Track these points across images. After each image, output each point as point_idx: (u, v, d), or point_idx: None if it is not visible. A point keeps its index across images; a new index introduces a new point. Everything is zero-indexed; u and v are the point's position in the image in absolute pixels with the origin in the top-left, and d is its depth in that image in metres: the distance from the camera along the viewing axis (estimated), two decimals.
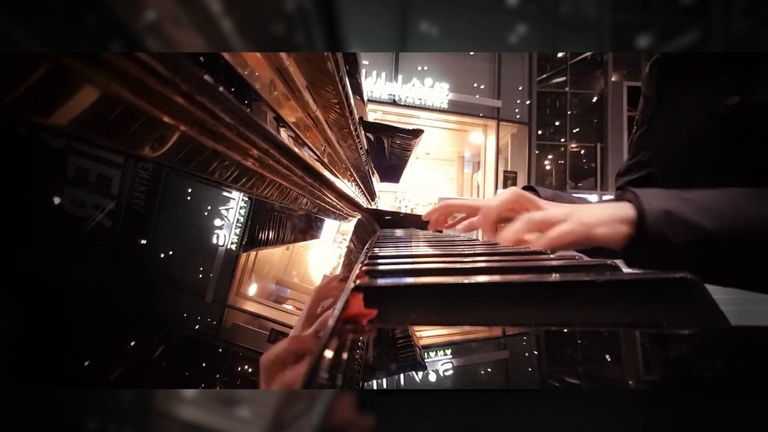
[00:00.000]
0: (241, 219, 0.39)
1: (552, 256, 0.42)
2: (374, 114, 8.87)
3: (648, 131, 0.85)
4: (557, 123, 10.76)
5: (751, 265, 0.50)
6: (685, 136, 0.71)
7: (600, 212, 0.50)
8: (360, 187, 1.48)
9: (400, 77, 9.40)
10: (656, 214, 0.47)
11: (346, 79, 0.67)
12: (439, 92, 9.49)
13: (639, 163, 0.90)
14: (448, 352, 0.19)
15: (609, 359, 0.18)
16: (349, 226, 1.08)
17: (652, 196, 0.49)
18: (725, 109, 0.62)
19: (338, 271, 0.74)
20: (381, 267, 0.35)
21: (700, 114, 0.67)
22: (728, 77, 0.64)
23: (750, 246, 0.46)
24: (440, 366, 0.18)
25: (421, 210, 10.40)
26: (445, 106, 9.57)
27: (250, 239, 0.41)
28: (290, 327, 0.45)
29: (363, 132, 1.18)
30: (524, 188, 0.87)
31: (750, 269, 0.59)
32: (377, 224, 1.67)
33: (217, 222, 0.36)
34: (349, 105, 0.75)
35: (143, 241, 0.25)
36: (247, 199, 0.41)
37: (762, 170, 0.58)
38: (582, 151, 10.79)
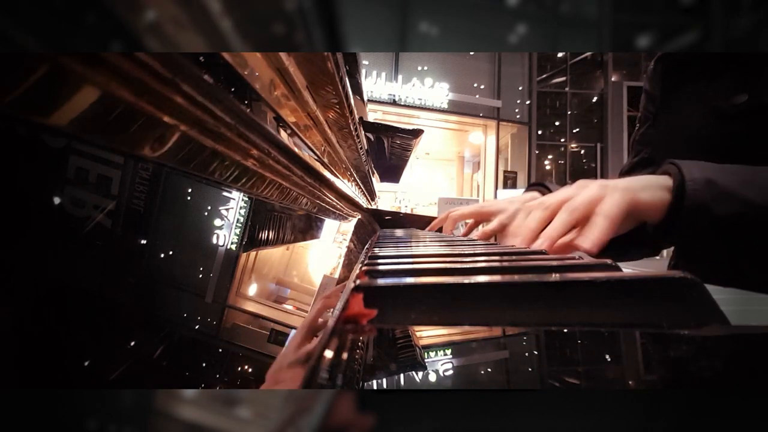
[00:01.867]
0: (241, 219, 0.39)
1: (552, 255, 0.42)
2: (374, 114, 8.86)
3: (651, 128, 0.85)
4: (557, 123, 10.76)
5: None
6: (689, 135, 0.70)
7: (638, 180, 0.47)
8: (360, 187, 1.48)
9: (400, 77, 9.39)
10: (698, 182, 0.44)
11: (346, 79, 0.67)
12: (439, 92, 9.48)
13: (643, 160, 0.89)
14: (448, 352, 0.19)
15: (609, 359, 0.18)
16: (349, 226, 1.08)
17: (693, 166, 0.46)
18: (730, 108, 0.62)
19: (338, 271, 0.74)
20: (381, 267, 0.35)
21: (704, 114, 0.67)
22: (733, 77, 0.63)
23: None
24: (440, 366, 0.18)
25: (421, 210, 10.40)
26: (445, 106, 9.57)
27: (250, 239, 0.41)
28: (290, 327, 0.45)
29: (363, 132, 1.18)
30: (532, 186, 0.85)
31: (750, 270, 0.59)
32: (377, 224, 1.67)
33: (217, 222, 0.36)
34: (349, 105, 0.75)
35: (143, 241, 0.25)
36: (247, 199, 0.41)
37: None
38: (582, 151, 10.79)
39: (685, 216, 0.44)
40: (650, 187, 0.46)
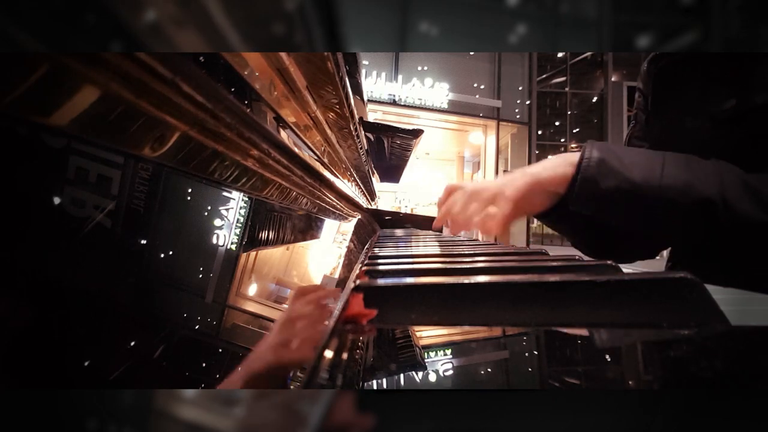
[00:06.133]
0: (241, 219, 0.39)
1: (552, 256, 0.42)
2: (374, 114, 8.86)
3: (646, 126, 0.85)
4: (557, 123, 10.75)
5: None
6: (682, 140, 0.70)
7: (548, 161, 0.57)
8: (360, 187, 1.48)
9: (400, 77, 9.39)
10: (593, 160, 0.54)
11: (346, 79, 0.67)
12: (439, 92, 9.48)
13: None
14: (448, 352, 0.19)
15: (609, 359, 0.18)
16: (349, 226, 1.08)
17: (597, 146, 0.56)
18: (722, 113, 0.62)
19: (338, 271, 0.74)
20: (381, 267, 0.35)
21: (697, 118, 0.67)
22: (725, 80, 0.64)
23: (664, 202, 0.51)
24: (440, 366, 0.18)
25: (421, 210, 10.40)
26: (445, 106, 9.56)
27: (250, 239, 0.41)
28: None
29: (363, 132, 1.18)
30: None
31: (750, 270, 0.59)
32: (377, 224, 1.67)
33: (217, 222, 0.36)
34: (349, 105, 0.75)
35: (143, 241, 0.25)
36: (247, 199, 0.41)
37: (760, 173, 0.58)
38: None
39: (578, 187, 0.54)
40: (557, 165, 0.56)
